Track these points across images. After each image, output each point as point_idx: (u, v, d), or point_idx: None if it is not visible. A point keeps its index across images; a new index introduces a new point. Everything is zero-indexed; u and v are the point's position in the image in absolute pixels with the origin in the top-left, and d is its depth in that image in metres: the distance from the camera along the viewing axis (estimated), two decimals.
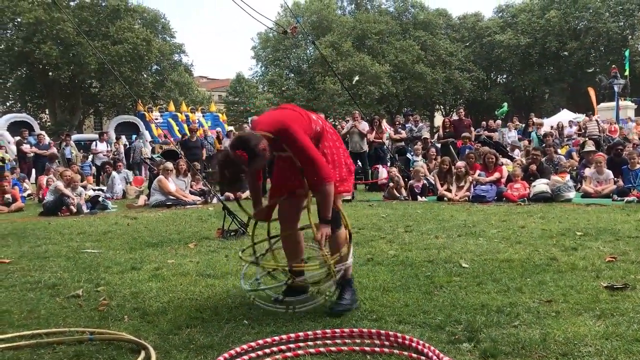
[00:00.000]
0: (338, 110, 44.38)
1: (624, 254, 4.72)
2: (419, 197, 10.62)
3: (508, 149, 15.51)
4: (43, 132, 19.81)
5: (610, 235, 5.67)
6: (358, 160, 13.24)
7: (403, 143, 14.96)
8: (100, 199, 10.91)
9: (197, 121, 27.17)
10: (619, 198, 9.18)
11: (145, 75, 42.64)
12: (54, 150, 16.79)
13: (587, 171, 10.55)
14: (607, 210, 7.92)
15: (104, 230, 7.37)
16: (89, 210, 10.27)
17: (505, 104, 20.55)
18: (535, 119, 19.40)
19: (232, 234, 6.39)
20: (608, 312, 3.15)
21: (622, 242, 5.29)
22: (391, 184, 11.06)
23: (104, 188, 13.09)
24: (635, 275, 3.96)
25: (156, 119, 26.80)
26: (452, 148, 13.51)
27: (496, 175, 10.31)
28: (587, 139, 14.86)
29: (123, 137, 21.25)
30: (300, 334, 2.87)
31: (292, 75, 50.85)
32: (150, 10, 45.16)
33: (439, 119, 40.96)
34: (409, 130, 15.43)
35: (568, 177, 9.94)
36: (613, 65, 30.03)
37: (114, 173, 13.69)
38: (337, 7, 51.66)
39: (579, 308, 3.26)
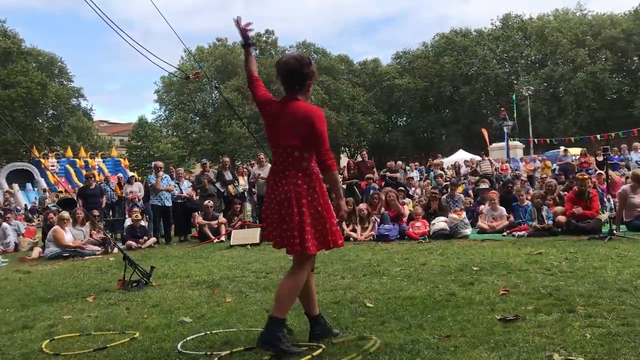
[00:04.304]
0: (245, 153, 44.41)
1: (515, 286, 5.00)
2: None
3: (411, 190, 16.11)
4: None
5: (504, 269, 5.99)
6: None
7: None
8: None
9: (96, 167, 26.18)
10: (510, 233, 9.74)
11: (40, 120, 40.89)
12: None
13: (482, 208, 11.13)
14: (500, 245, 8.37)
15: None
16: None
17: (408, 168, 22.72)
18: (435, 160, 20.46)
19: (134, 284, 6.14)
20: (501, 344, 3.32)
21: (513, 275, 5.61)
22: None
23: None
24: (526, 307, 4.20)
25: (52, 166, 25.59)
26: (356, 189, 13.85)
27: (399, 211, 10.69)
28: (480, 177, 15.74)
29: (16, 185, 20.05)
30: None
31: (198, 118, 50.47)
32: (46, 53, 43.50)
33: (344, 161, 41.92)
34: None
35: (464, 214, 10.43)
36: (502, 108, 32.34)
37: (4, 224, 12.80)
38: (241, 51, 52.23)
39: (475, 341, 3.41)
